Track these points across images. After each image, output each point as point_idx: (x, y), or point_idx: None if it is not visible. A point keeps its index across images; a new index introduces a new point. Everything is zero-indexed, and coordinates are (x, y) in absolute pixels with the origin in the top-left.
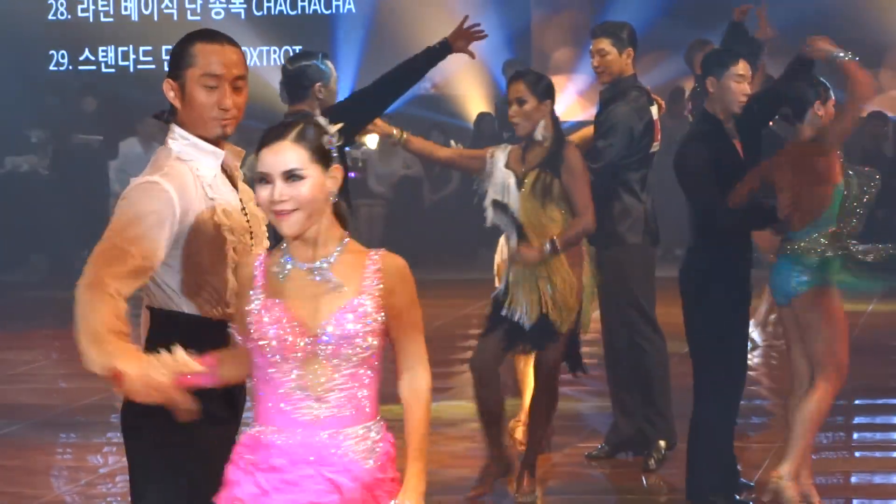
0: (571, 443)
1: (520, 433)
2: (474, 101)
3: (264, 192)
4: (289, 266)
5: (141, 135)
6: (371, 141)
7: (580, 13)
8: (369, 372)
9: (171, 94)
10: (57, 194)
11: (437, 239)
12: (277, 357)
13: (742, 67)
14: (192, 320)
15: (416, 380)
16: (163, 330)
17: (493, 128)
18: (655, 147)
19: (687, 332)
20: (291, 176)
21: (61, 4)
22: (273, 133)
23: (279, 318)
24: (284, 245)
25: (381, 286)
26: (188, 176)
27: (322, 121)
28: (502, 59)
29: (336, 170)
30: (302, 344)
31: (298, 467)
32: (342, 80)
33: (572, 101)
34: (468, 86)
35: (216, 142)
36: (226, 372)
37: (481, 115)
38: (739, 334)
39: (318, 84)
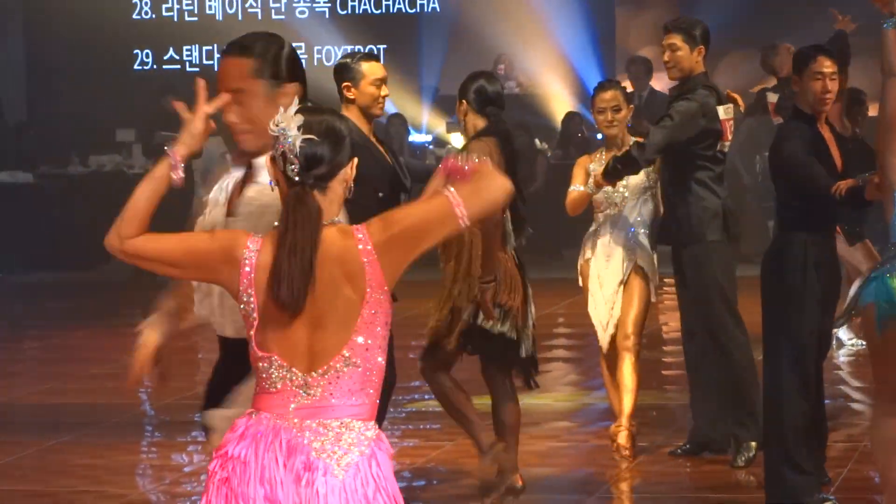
0: (655, 440)
1: (623, 438)
2: (560, 101)
3: None
4: None
5: (224, 134)
6: (456, 140)
7: (665, 12)
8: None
9: None
10: None
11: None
12: None
13: (822, 64)
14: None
15: None
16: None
17: (579, 128)
18: (726, 146)
19: (764, 322)
20: None
21: (146, 4)
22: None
23: None
24: None
25: None
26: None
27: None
28: (587, 57)
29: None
30: None
31: None
32: (426, 79)
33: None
34: (554, 85)
35: (251, 155)
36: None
37: (569, 115)
38: (814, 328)
39: (346, 83)
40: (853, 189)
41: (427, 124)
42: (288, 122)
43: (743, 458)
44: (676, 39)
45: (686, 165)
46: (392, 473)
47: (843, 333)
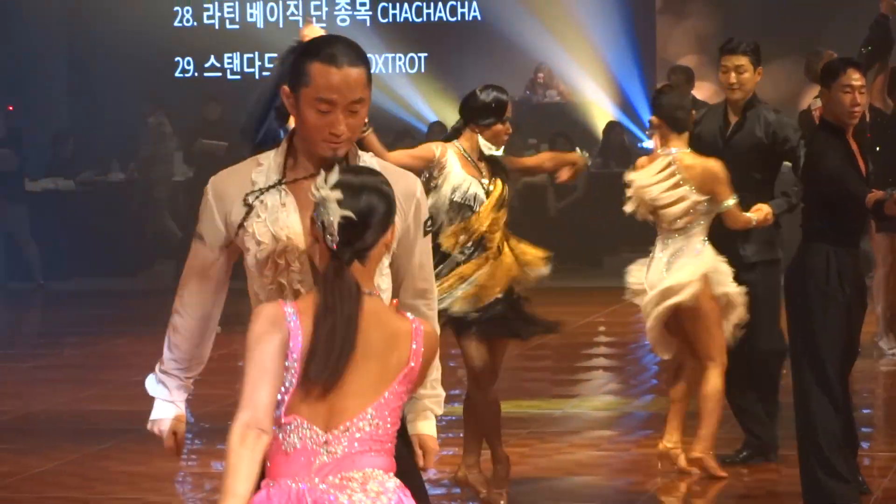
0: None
1: (683, 461)
2: (601, 110)
3: None
4: None
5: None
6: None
7: (706, 21)
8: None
9: (287, 102)
10: (182, 200)
11: (561, 247)
12: None
13: (851, 77)
14: None
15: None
16: None
17: (620, 137)
18: None
19: (789, 332)
20: None
21: (187, 12)
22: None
23: None
24: None
25: None
26: (240, 177)
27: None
28: (627, 66)
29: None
30: None
31: None
32: (466, 87)
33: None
34: (594, 94)
35: (327, 162)
36: None
37: (610, 124)
38: (838, 338)
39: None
40: (879, 201)
41: None
42: (328, 194)
43: (742, 454)
44: (744, 61)
45: (767, 187)
46: None
47: (883, 343)
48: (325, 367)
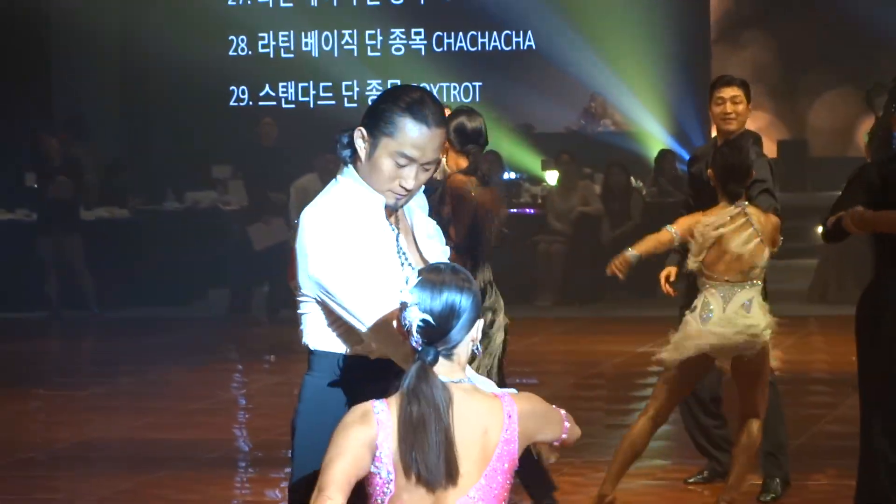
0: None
1: None
2: (654, 139)
3: None
4: None
5: (319, 170)
6: (551, 177)
7: (762, 49)
8: None
9: (360, 143)
10: (236, 229)
11: (615, 276)
12: None
13: None
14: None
15: None
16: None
17: (673, 166)
18: None
19: (859, 368)
20: None
21: (242, 40)
22: None
23: None
24: None
25: None
26: (354, 201)
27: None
28: (681, 94)
29: None
30: None
31: None
32: (520, 116)
33: None
34: (648, 123)
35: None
36: None
37: (662, 153)
38: None
39: None
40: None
41: (521, 161)
42: (408, 297)
43: (769, 496)
44: (739, 92)
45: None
46: None
47: None
48: (427, 466)
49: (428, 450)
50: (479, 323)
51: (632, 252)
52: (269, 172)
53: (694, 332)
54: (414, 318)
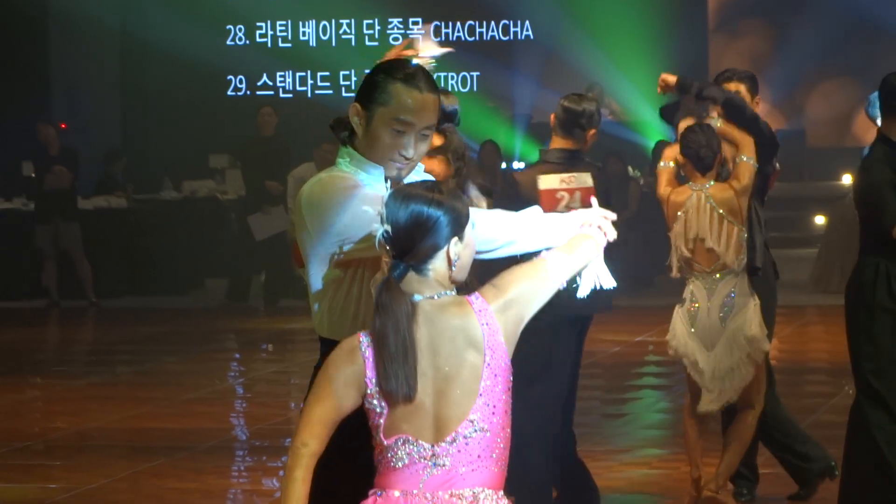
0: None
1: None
2: (652, 129)
3: None
4: None
5: (317, 160)
6: None
7: (759, 39)
8: None
9: (355, 120)
10: (233, 218)
11: (612, 265)
12: None
13: None
14: None
15: None
16: None
17: None
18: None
19: (850, 351)
20: None
21: (240, 30)
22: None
23: None
24: None
25: None
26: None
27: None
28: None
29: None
30: None
31: None
32: (519, 106)
33: None
34: (646, 112)
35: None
36: None
37: (660, 143)
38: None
39: None
40: None
41: (520, 151)
42: (382, 210)
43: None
44: (741, 88)
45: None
46: None
47: None
48: (396, 379)
49: (390, 361)
50: (457, 242)
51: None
52: (268, 162)
53: (680, 337)
54: (379, 228)
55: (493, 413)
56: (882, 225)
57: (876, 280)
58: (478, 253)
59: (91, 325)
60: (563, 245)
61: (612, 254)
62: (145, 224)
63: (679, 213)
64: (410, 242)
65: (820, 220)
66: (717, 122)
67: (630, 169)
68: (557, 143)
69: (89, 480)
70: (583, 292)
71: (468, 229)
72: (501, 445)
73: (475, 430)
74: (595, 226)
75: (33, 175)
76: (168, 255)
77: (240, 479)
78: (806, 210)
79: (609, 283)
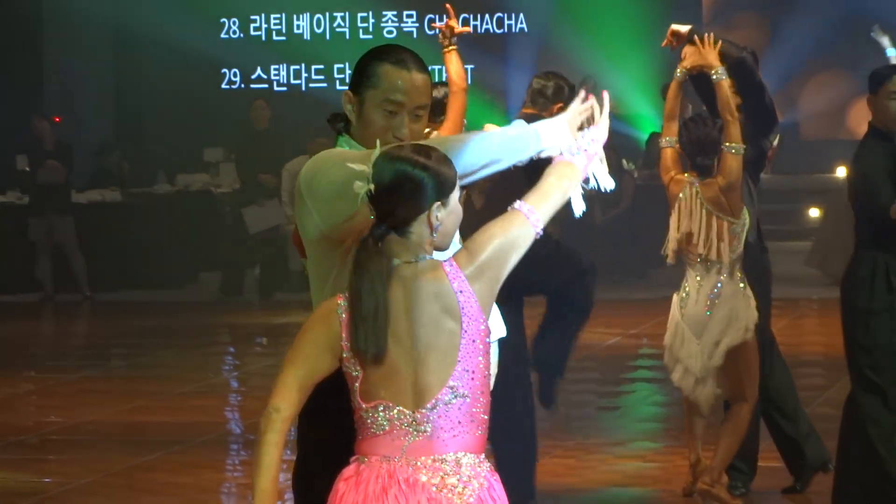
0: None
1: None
2: (646, 121)
3: None
4: None
5: (311, 153)
6: None
7: (755, 32)
8: None
9: (348, 107)
10: (227, 212)
11: (607, 259)
12: None
13: None
14: None
15: None
16: None
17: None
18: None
19: (846, 344)
20: None
21: (234, 23)
22: None
23: None
24: None
25: None
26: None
27: None
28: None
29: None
30: None
31: None
32: (513, 98)
33: None
34: (640, 105)
35: None
36: None
37: (653, 136)
38: (886, 347)
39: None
40: None
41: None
42: (369, 168)
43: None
44: None
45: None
46: None
47: None
48: (366, 338)
49: (362, 321)
50: (440, 207)
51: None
52: (262, 155)
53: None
54: (363, 187)
55: (472, 378)
56: (879, 208)
57: (874, 274)
58: (462, 177)
59: (85, 318)
60: (537, 188)
61: (606, 242)
62: (140, 218)
63: (676, 204)
64: (392, 203)
65: (814, 212)
66: (722, 75)
67: (624, 162)
68: (524, 110)
69: (83, 474)
70: (578, 211)
71: (453, 195)
72: (481, 409)
73: (455, 397)
74: (579, 148)
75: (27, 169)
76: (162, 248)
77: (234, 473)
78: (800, 203)
79: (608, 183)
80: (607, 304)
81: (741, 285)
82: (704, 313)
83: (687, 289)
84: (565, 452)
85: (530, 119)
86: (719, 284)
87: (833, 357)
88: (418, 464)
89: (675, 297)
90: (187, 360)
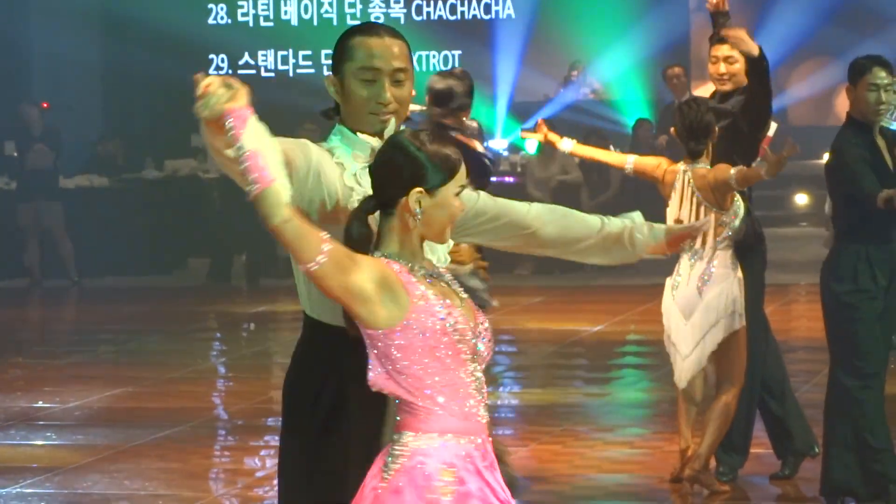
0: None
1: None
2: (632, 107)
3: None
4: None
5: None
6: (530, 146)
7: (740, 20)
8: None
9: (332, 90)
10: (215, 198)
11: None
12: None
13: (877, 76)
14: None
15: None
16: (313, 338)
17: (649, 134)
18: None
19: (829, 334)
20: None
21: (221, 9)
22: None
23: (451, 313)
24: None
25: None
26: (327, 156)
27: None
28: (661, 65)
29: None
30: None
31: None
32: (501, 84)
33: None
34: (627, 92)
35: (378, 137)
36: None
37: (639, 122)
38: (874, 335)
39: None
40: (890, 199)
41: (501, 130)
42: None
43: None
44: (734, 52)
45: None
46: None
47: None
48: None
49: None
50: (423, 195)
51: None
52: None
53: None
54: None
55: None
56: (865, 197)
57: (857, 266)
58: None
59: (73, 304)
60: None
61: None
62: (127, 203)
63: (673, 194)
64: (375, 178)
65: (802, 198)
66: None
67: (611, 147)
68: (433, 115)
69: (71, 460)
70: None
71: (445, 189)
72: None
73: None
74: None
75: (15, 154)
76: (150, 234)
77: (222, 459)
78: (788, 189)
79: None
80: (596, 291)
81: (733, 269)
82: (695, 294)
83: (680, 272)
84: (553, 438)
85: (446, 127)
86: (712, 269)
87: (822, 342)
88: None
89: (667, 282)
90: (175, 346)
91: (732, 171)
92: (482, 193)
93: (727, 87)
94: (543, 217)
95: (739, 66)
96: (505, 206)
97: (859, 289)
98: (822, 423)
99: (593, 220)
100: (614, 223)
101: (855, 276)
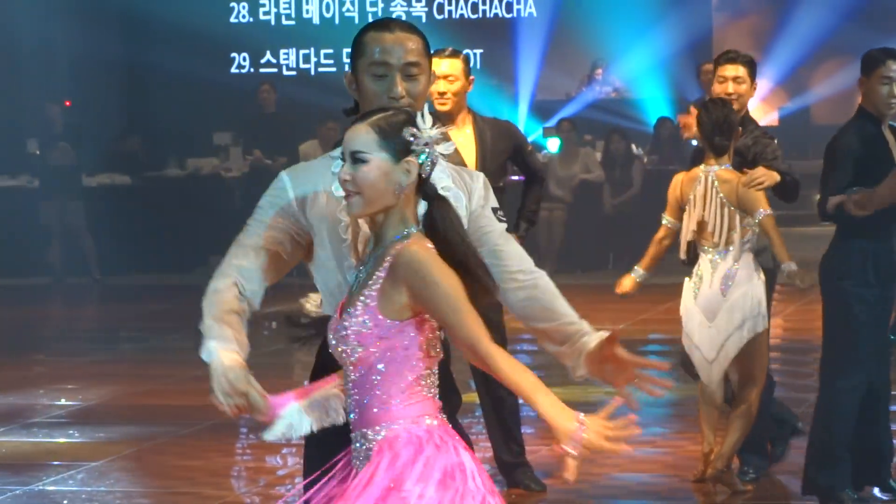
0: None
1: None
2: (655, 106)
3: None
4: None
5: (321, 137)
6: (552, 145)
7: (763, 18)
8: (375, 377)
9: (350, 88)
10: (237, 196)
11: (616, 243)
12: None
13: (890, 68)
14: None
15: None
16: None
17: (672, 133)
18: None
19: (824, 330)
20: (356, 159)
21: (243, 7)
22: (361, 115)
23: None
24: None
25: (381, 284)
26: (321, 169)
27: (420, 116)
28: (683, 63)
29: (410, 163)
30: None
31: None
32: (522, 83)
33: (755, 107)
34: (649, 90)
35: None
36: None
37: (661, 121)
38: (870, 327)
39: None
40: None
41: (523, 129)
42: None
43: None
44: (742, 72)
45: None
46: None
47: None
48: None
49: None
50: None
51: (638, 271)
52: (271, 139)
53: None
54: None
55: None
56: (823, 190)
57: (864, 264)
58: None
59: (95, 302)
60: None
61: (615, 228)
62: (150, 201)
63: (690, 199)
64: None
65: None
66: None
67: (633, 147)
68: None
69: (93, 457)
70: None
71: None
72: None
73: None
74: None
75: (38, 152)
76: (172, 232)
77: (244, 457)
78: (811, 188)
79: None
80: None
81: (756, 271)
82: (718, 295)
83: (700, 273)
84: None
85: None
86: (736, 270)
87: None
88: None
89: (686, 284)
90: (196, 344)
91: (764, 211)
92: (500, 228)
93: (734, 106)
94: (528, 289)
95: (746, 86)
96: (501, 254)
97: (868, 289)
98: (811, 422)
99: (569, 313)
100: (584, 327)
101: (863, 275)
